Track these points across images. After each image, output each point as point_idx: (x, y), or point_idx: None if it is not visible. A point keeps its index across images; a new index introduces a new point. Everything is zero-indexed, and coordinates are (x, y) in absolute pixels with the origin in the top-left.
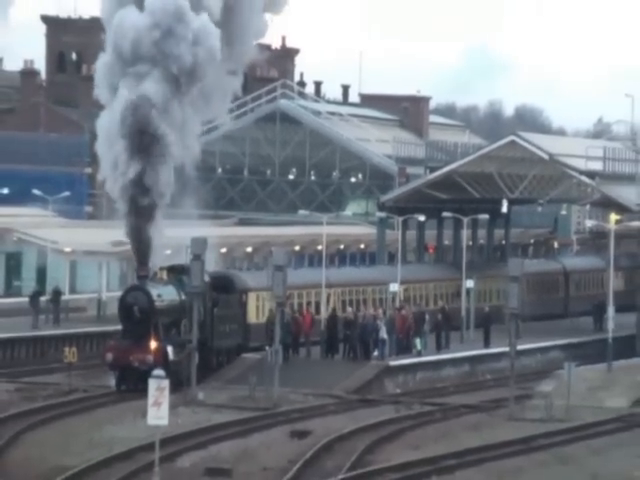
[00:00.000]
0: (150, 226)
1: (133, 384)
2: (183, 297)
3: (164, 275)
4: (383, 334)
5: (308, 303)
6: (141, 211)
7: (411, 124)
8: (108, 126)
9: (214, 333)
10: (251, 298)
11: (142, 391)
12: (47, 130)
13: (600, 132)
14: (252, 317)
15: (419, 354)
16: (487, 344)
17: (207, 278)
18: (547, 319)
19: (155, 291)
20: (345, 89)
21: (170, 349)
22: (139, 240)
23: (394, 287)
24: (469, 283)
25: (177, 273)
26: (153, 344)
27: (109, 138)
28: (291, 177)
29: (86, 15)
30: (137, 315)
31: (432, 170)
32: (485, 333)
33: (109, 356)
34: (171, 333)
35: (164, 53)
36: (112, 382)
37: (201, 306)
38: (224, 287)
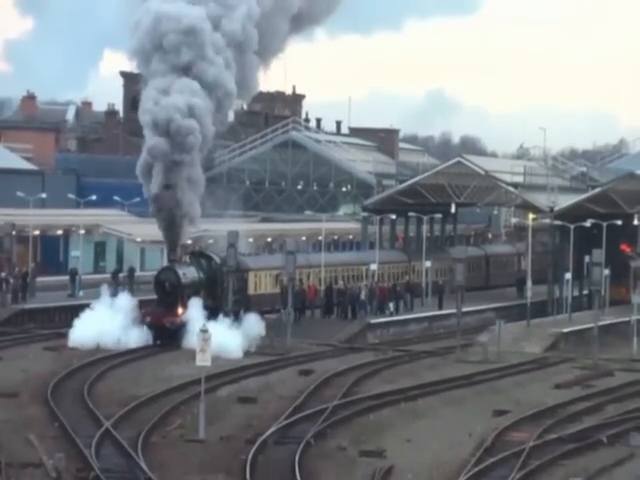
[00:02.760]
0: (176, 225)
1: (166, 340)
2: (201, 275)
3: (187, 259)
4: (362, 297)
5: (313, 278)
6: (168, 215)
7: (385, 149)
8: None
9: (225, 301)
10: (251, 275)
11: (173, 345)
12: (124, 153)
13: (521, 155)
14: (251, 289)
15: (391, 314)
16: (441, 307)
17: (219, 260)
18: (474, 290)
19: (181, 271)
20: (338, 124)
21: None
22: (169, 235)
23: (373, 266)
24: (427, 263)
25: (197, 257)
26: (180, 310)
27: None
28: (299, 187)
29: None
30: (168, 289)
31: (401, 182)
32: (439, 299)
33: (147, 319)
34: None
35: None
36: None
37: (235, 280)
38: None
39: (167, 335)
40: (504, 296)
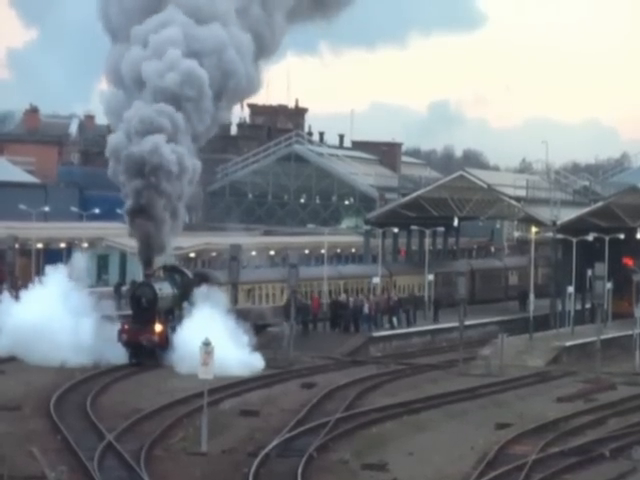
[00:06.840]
0: (152, 240)
1: (143, 358)
2: (175, 290)
3: (161, 273)
4: (365, 310)
5: (317, 291)
6: (143, 232)
7: (388, 162)
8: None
9: None
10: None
11: (150, 364)
12: None
13: (524, 168)
14: None
15: (394, 328)
16: (436, 320)
17: (192, 275)
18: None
19: (157, 286)
20: (341, 137)
21: (170, 331)
22: (144, 251)
23: (376, 279)
24: (430, 277)
25: (170, 271)
26: (158, 327)
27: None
28: (302, 200)
29: None
30: (144, 305)
31: (403, 196)
32: (435, 313)
33: (123, 337)
34: (169, 318)
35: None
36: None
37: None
38: (203, 282)
39: (144, 353)
40: (506, 309)
